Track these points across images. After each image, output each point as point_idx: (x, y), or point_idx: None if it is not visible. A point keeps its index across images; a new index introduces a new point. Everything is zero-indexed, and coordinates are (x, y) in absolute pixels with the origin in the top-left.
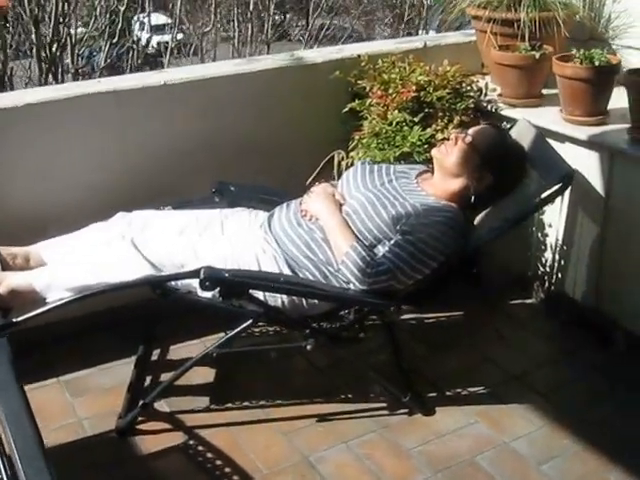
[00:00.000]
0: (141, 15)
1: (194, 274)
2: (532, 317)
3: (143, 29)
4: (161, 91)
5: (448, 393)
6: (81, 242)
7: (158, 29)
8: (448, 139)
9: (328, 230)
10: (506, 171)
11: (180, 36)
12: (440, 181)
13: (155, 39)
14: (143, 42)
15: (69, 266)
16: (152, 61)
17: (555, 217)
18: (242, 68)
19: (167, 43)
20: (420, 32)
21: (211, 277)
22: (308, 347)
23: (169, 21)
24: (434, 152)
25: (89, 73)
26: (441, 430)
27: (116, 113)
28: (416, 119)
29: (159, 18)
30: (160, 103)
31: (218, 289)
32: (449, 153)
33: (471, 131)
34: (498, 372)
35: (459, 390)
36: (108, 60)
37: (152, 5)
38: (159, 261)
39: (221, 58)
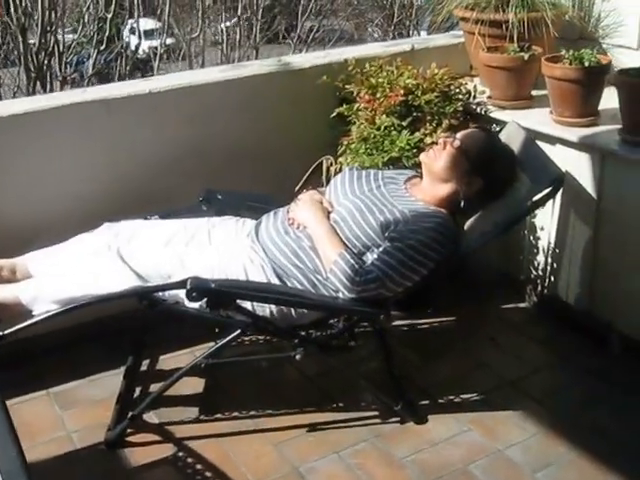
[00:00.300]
0: (130, 21)
1: (181, 285)
2: (525, 321)
3: (134, 33)
4: (150, 99)
5: (440, 401)
6: (67, 254)
7: (146, 34)
8: (437, 143)
9: (316, 238)
10: (496, 175)
11: (170, 41)
12: (429, 186)
13: (145, 44)
14: (132, 48)
15: (55, 278)
16: (142, 67)
17: (547, 220)
18: (230, 74)
19: (156, 48)
20: (411, 33)
21: (198, 287)
22: (297, 357)
23: (158, 26)
24: (422, 157)
25: (78, 80)
26: (434, 438)
27: (105, 122)
28: (404, 123)
29: (147, 23)
30: (149, 111)
31: (205, 300)
32: (437, 158)
33: (460, 135)
34: (491, 378)
35: (452, 397)
36: (97, 67)
37: (141, 10)
38: (145, 272)
39: (210, 63)
